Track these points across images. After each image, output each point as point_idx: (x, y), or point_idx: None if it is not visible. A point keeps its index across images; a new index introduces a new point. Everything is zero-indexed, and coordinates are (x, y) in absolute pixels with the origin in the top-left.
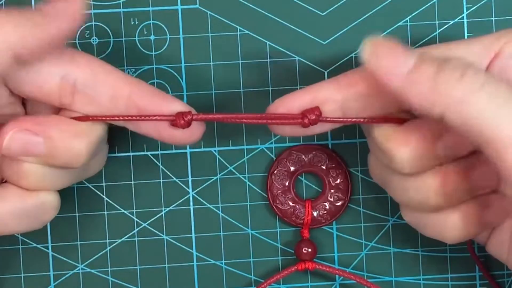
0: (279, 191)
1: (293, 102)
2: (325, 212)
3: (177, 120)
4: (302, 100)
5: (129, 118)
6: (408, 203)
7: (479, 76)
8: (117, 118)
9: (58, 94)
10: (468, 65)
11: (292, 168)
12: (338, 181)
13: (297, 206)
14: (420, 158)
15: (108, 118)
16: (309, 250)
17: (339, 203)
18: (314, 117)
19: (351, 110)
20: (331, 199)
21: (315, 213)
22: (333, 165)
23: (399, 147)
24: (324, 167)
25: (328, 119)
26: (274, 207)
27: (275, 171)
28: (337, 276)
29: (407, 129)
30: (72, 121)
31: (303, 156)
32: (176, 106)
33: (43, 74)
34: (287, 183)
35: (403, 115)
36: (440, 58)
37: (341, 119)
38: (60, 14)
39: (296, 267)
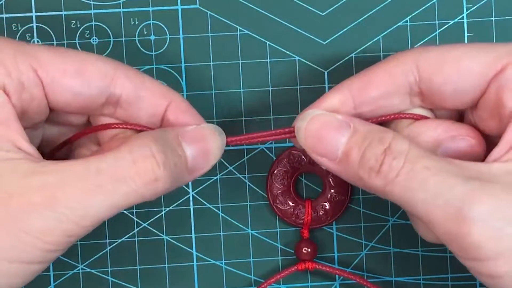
0: (279, 191)
1: None
2: (325, 212)
3: None
4: None
5: None
6: None
7: (396, 163)
8: None
9: (101, 109)
10: (389, 151)
11: (292, 168)
12: (338, 181)
13: (297, 206)
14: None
15: None
16: (309, 250)
17: (339, 203)
18: None
19: (366, 111)
20: (331, 199)
21: (315, 213)
22: None
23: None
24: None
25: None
26: (274, 207)
27: (275, 171)
28: (337, 276)
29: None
30: None
31: (303, 156)
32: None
33: (89, 98)
34: (287, 183)
35: (418, 111)
36: (367, 137)
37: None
38: None
39: (296, 267)
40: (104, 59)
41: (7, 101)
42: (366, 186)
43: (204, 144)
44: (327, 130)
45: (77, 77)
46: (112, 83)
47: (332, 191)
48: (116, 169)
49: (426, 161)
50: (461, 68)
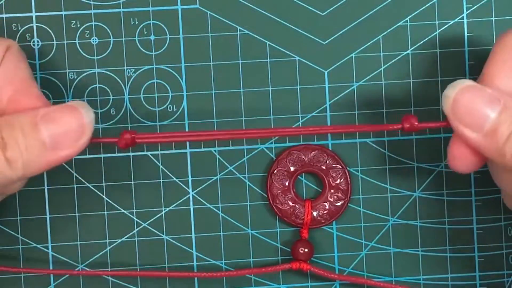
0: (279, 191)
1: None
2: (325, 212)
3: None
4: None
5: None
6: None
7: None
8: None
9: None
10: None
11: (292, 168)
12: (338, 181)
13: (297, 206)
14: None
15: None
16: (306, 250)
17: (339, 203)
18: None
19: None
20: (331, 199)
21: (315, 213)
22: (333, 165)
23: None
24: (324, 167)
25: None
26: (274, 207)
27: (275, 171)
28: None
29: None
30: None
31: (303, 156)
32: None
33: None
34: (287, 183)
35: None
36: None
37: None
38: (64, 139)
39: (290, 265)
40: None
41: None
42: (507, 163)
43: (65, 122)
44: (477, 102)
45: None
46: None
47: (332, 191)
48: None
49: None
50: None
